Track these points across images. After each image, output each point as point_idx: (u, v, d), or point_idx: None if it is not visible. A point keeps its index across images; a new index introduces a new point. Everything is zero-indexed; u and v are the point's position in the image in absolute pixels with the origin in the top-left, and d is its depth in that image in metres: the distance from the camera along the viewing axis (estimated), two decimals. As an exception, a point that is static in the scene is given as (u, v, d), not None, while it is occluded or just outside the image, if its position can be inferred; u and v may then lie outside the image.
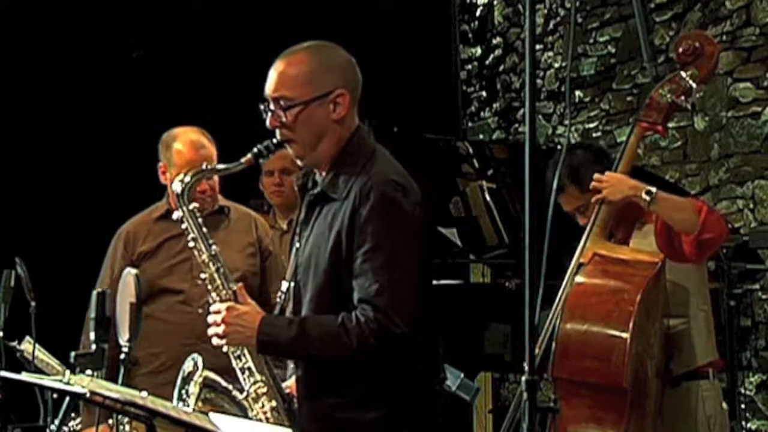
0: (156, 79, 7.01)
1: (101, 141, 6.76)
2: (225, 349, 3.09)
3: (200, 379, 3.11)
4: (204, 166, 3.23)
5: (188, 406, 3.08)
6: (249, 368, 3.09)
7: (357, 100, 3.00)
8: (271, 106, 2.95)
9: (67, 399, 3.56)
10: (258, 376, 3.08)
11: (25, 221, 6.41)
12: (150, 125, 6.75)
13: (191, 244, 3.20)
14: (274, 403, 3.06)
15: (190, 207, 3.19)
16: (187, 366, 3.16)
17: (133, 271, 3.26)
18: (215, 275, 3.13)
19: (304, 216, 3.06)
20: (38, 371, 4.27)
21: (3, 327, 4.21)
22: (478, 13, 8.55)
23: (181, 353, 3.48)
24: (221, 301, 3.06)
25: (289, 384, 3.12)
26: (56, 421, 3.77)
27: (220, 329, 2.96)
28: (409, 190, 2.93)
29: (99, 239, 6.52)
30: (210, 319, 3.02)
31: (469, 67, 8.66)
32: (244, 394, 3.08)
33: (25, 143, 6.63)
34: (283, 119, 2.94)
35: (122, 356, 3.19)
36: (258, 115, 3.02)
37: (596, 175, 3.74)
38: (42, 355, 4.50)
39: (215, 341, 3.01)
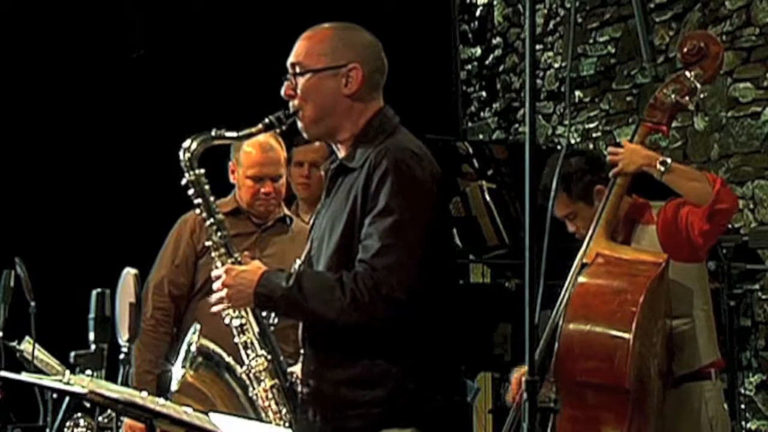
0: (156, 79, 7.00)
1: (101, 141, 6.75)
2: (227, 321, 3.05)
3: (194, 347, 3.07)
4: (213, 132, 3.06)
5: (186, 373, 3.04)
6: (251, 343, 3.04)
7: (378, 81, 3.00)
8: (289, 75, 2.97)
9: (67, 399, 3.55)
10: (259, 351, 3.03)
11: (25, 221, 6.40)
12: (150, 126, 6.80)
13: (197, 210, 3.12)
14: (275, 381, 3.00)
15: (197, 172, 3.09)
16: (189, 337, 3.12)
17: (133, 270, 3.24)
18: (219, 242, 3.08)
19: (326, 191, 3.03)
20: (38, 371, 4.25)
21: (3, 327, 4.22)
22: (478, 13, 8.54)
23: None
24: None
25: (296, 369, 3.06)
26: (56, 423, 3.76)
27: (223, 293, 2.92)
28: (425, 161, 2.89)
29: (99, 240, 6.56)
30: (214, 286, 2.97)
31: (469, 67, 8.66)
32: (244, 368, 3.03)
33: (26, 143, 6.62)
34: (296, 87, 2.95)
35: (122, 356, 3.18)
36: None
37: (611, 148, 3.75)
38: (42, 355, 4.49)
39: (219, 306, 2.96)
